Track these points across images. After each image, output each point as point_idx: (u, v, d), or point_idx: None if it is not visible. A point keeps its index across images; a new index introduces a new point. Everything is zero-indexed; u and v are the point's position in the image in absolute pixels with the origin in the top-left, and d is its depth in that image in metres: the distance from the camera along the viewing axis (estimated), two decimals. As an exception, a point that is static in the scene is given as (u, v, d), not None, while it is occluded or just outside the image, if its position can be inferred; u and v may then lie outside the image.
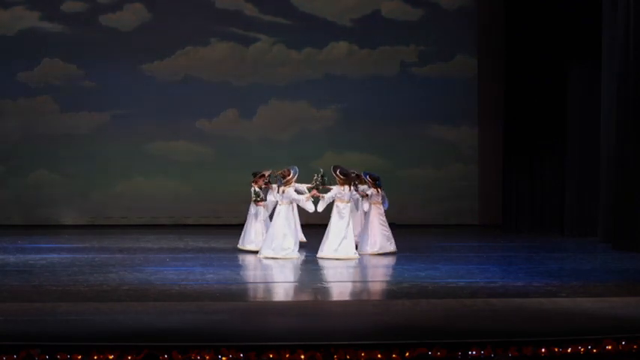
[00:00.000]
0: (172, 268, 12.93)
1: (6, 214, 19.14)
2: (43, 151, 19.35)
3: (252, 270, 13.61)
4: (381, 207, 14.87)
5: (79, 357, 7.83)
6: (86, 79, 19.43)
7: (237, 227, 15.82)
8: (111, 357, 7.83)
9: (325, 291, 11.82)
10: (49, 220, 19.21)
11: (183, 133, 19.59)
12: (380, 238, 14.77)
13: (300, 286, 12.41)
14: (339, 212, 14.35)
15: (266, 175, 15.30)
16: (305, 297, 11.46)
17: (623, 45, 15.15)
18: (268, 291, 12.18)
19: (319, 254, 14.27)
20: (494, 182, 19.25)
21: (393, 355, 7.97)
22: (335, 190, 14.43)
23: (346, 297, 11.54)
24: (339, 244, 14.19)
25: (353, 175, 14.83)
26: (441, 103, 19.74)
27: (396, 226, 15.58)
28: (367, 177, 14.91)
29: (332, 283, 12.46)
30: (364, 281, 12.93)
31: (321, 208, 14.48)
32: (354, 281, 12.88)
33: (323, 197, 14.43)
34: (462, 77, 19.81)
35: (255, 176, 15.30)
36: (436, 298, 10.65)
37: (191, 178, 19.53)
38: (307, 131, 19.78)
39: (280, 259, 14.02)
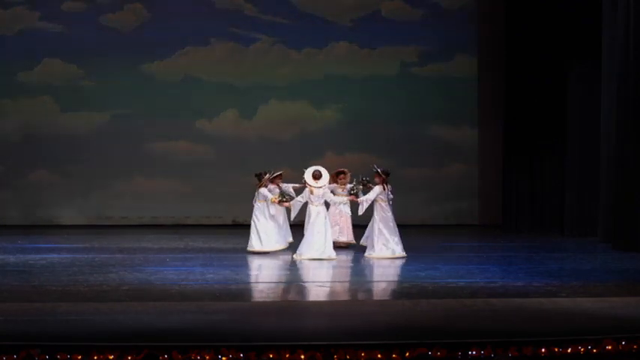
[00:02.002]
0: (172, 268, 12.92)
1: (6, 214, 19.14)
2: (43, 151, 19.34)
3: (254, 270, 13.60)
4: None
5: (79, 357, 7.83)
6: (86, 79, 19.43)
7: (237, 227, 15.80)
8: (111, 357, 7.83)
9: (325, 291, 11.82)
10: (49, 220, 19.21)
11: (183, 133, 19.58)
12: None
13: (300, 286, 12.41)
14: (384, 213, 14.32)
15: (268, 176, 15.00)
16: (305, 297, 11.48)
17: (623, 45, 15.14)
18: (270, 291, 12.16)
19: (370, 254, 14.29)
20: (494, 182, 19.24)
21: (393, 355, 7.97)
22: (376, 190, 14.37)
23: (346, 297, 11.53)
24: (396, 243, 14.27)
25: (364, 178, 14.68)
26: (441, 103, 19.73)
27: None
28: (379, 170, 14.42)
29: (332, 283, 12.46)
30: (364, 281, 12.92)
31: (361, 211, 14.47)
32: (354, 281, 12.86)
33: (360, 201, 14.37)
34: (462, 77, 19.79)
35: (259, 178, 14.85)
36: (436, 298, 10.64)
37: (191, 178, 19.51)
38: (307, 131, 19.77)
39: (325, 259, 14.00)
